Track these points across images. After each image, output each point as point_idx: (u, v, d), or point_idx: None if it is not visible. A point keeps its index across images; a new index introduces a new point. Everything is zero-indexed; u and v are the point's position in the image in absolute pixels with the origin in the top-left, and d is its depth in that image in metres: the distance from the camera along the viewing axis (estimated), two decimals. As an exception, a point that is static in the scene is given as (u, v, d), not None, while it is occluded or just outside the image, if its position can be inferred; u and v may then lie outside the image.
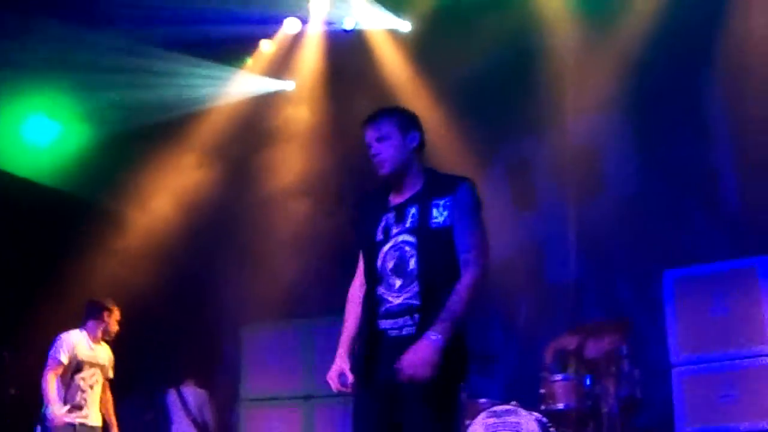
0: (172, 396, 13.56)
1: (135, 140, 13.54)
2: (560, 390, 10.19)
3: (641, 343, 10.86)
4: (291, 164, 13.10)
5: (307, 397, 12.00)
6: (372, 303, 5.63)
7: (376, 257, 5.57)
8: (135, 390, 14.33)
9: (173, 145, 13.48)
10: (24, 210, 13.35)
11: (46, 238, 13.52)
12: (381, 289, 5.58)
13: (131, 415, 13.59)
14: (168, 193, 13.56)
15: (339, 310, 11.94)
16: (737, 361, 9.32)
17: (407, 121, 5.71)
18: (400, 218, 5.55)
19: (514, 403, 9.99)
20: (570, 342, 10.67)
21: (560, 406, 10.13)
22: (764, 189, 10.80)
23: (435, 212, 5.46)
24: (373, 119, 5.65)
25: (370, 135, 5.64)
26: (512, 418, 9.83)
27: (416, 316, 5.40)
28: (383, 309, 5.56)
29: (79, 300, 12.20)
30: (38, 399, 11.25)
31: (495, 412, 9.98)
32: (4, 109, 13.29)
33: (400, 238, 5.51)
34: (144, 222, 13.60)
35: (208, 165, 13.44)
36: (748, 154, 11.07)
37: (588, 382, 10.27)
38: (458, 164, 12.12)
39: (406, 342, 5.30)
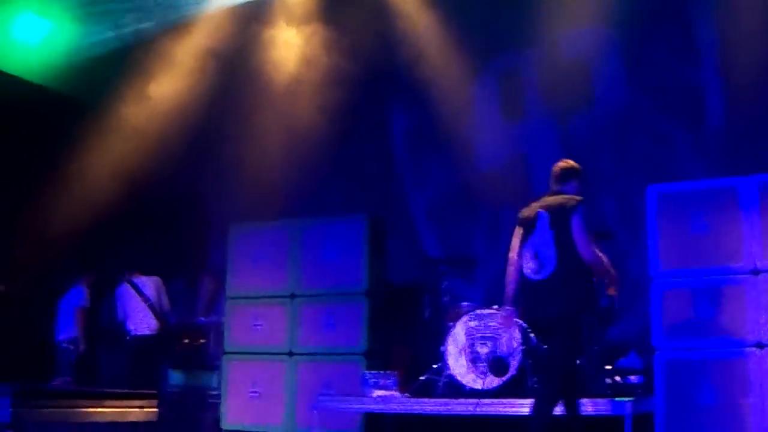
0: (125, 287, 13.78)
1: (126, 42, 13.56)
2: (541, 297, 10.38)
3: (622, 256, 11.06)
4: (279, 66, 13.10)
5: (292, 296, 12.16)
6: None
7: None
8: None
9: (164, 49, 13.47)
10: (13, 106, 13.40)
11: (36, 135, 13.59)
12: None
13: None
14: (159, 94, 13.57)
15: (327, 209, 12.21)
16: (715, 278, 9.48)
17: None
18: None
19: (495, 307, 10.23)
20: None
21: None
22: (748, 112, 10.93)
23: None
24: None
25: None
26: (493, 322, 10.08)
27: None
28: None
29: (69, 195, 12.40)
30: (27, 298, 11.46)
31: (477, 315, 10.23)
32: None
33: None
34: (133, 121, 13.63)
35: (198, 68, 13.44)
36: (734, 76, 11.18)
37: (567, 289, 10.47)
38: (449, 72, 12.29)
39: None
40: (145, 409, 6.68)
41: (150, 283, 13.74)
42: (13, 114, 13.40)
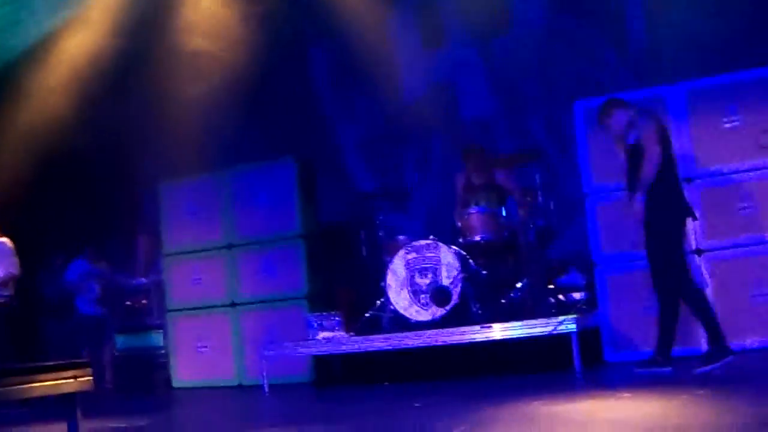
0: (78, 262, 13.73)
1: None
2: (476, 222, 10.35)
3: (554, 175, 11.05)
4: (192, 16, 12.89)
5: (229, 246, 12.07)
6: None
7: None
8: (55, 252, 14.42)
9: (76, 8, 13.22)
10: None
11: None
12: None
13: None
14: (73, 56, 13.33)
15: (255, 156, 12.08)
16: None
17: (607, 111, 8.64)
18: None
19: (432, 238, 10.19)
20: (479, 175, 10.83)
21: (477, 238, 10.32)
22: (668, 26, 10.92)
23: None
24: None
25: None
26: (431, 253, 10.04)
27: None
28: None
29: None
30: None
31: (414, 247, 10.17)
32: None
33: None
34: (49, 86, 13.39)
35: (115, 24, 13.20)
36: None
37: (503, 213, 10.46)
38: (365, 4, 12.13)
39: None
40: (79, 379, 6.52)
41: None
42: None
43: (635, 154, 8.33)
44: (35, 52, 13.29)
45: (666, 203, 8.26)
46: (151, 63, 12.93)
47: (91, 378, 6.64)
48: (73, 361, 6.53)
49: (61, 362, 6.54)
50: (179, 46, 12.77)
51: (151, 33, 12.80)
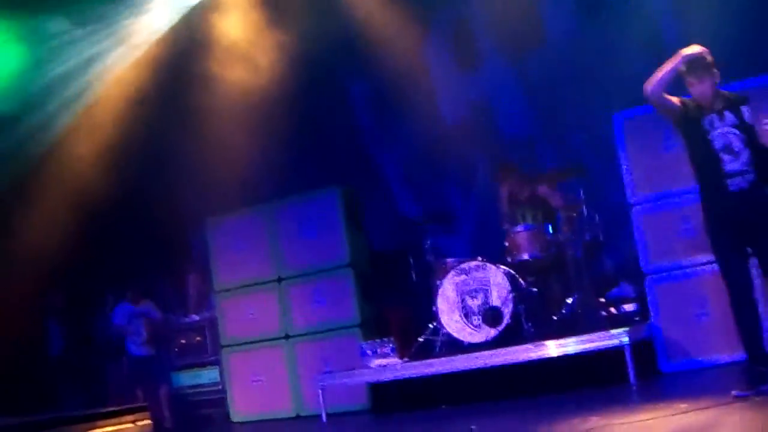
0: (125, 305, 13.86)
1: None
2: (523, 241, 10.39)
3: (598, 187, 11.02)
4: (231, 53, 12.99)
5: (279, 279, 12.14)
6: None
7: (706, 139, 7.63)
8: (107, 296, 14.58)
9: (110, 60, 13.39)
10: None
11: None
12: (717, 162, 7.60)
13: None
14: (120, 88, 13.48)
15: (298, 189, 12.12)
16: (691, 196, 9.44)
17: (712, 66, 7.68)
18: (721, 117, 7.62)
19: (480, 258, 10.22)
20: (523, 192, 10.85)
21: (525, 256, 10.36)
22: (702, 32, 10.87)
23: (746, 115, 7.61)
24: (697, 73, 7.66)
25: (693, 80, 7.65)
26: (480, 274, 10.08)
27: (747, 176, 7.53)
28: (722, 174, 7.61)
29: (42, 212, 12.34)
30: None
31: (463, 269, 10.21)
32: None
33: (725, 129, 7.60)
34: (95, 126, 13.54)
35: (147, 72, 13.34)
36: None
37: (550, 230, 10.47)
38: (400, 31, 12.18)
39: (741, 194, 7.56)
40: (139, 423, 6.63)
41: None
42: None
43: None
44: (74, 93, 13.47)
45: None
46: (193, 99, 13.04)
47: (149, 421, 6.74)
48: (132, 406, 6.64)
49: (120, 408, 6.66)
50: (221, 80, 12.87)
51: (193, 67, 12.91)
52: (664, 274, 9.71)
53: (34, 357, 13.94)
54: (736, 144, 7.53)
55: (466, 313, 10.10)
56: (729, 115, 7.58)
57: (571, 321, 9.95)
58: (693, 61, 7.66)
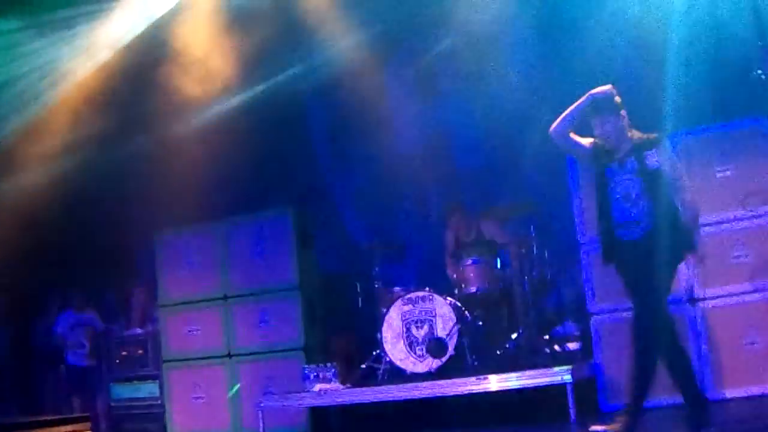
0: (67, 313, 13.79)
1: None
2: (471, 274, 10.44)
3: (549, 225, 11.08)
4: (191, 69, 12.96)
5: (225, 297, 12.10)
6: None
7: (608, 184, 7.52)
8: (49, 303, 14.49)
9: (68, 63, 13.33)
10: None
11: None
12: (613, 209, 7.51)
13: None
14: (73, 99, 13.41)
15: (250, 209, 12.09)
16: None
17: (615, 105, 7.53)
18: (622, 164, 7.48)
19: (428, 289, 10.24)
20: (470, 232, 10.94)
21: (472, 289, 10.42)
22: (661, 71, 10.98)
23: (648, 161, 7.40)
24: (598, 111, 7.52)
25: (595, 120, 7.53)
26: (426, 305, 10.10)
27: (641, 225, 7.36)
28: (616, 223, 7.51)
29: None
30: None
31: (410, 299, 10.23)
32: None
33: (626, 176, 7.45)
34: (47, 136, 13.47)
35: (105, 79, 13.29)
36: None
37: (498, 264, 10.53)
38: (361, 58, 12.21)
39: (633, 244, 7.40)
40: (78, 433, 6.59)
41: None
42: None
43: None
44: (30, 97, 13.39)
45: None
46: (150, 112, 12.99)
47: (88, 432, 6.70)
48: (74, 416, 6.59)
49: (60, 417, 6.60)
50: (176, 95, 12.83)
51: (152, 79, 12.87)
52: (608, 314, 9.75)
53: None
54: (634, 192, 7.40)
55: (411, 343, 10.11)
56: (631, 162, 7.45)
57: (514, 356, 10.02)
58: (598, 101, 7.55)
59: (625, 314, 9.43)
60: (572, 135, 7.67)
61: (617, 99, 7.52)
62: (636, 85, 11.07)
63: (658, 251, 7.24)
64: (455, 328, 9.90)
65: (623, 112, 7.52)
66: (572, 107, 7.57)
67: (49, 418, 6.77)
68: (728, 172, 9.55)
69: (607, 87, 7.56)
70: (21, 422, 6.55)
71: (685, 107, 10.39)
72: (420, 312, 10.09)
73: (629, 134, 7.55)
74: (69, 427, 6.61)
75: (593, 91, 7.52)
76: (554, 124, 7.63)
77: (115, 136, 13.17)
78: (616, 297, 9.60)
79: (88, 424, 6.73)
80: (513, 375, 9.25)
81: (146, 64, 12.79)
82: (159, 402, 12.85)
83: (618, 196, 7.43)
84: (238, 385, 11.75)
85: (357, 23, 12.21)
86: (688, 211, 7.38)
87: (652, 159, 7.41)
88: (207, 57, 12.49)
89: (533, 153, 11.85)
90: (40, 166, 13.16)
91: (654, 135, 7.57)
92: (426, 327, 10.02)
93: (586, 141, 7.67)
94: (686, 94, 10.54)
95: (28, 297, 14.66)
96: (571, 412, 8.91)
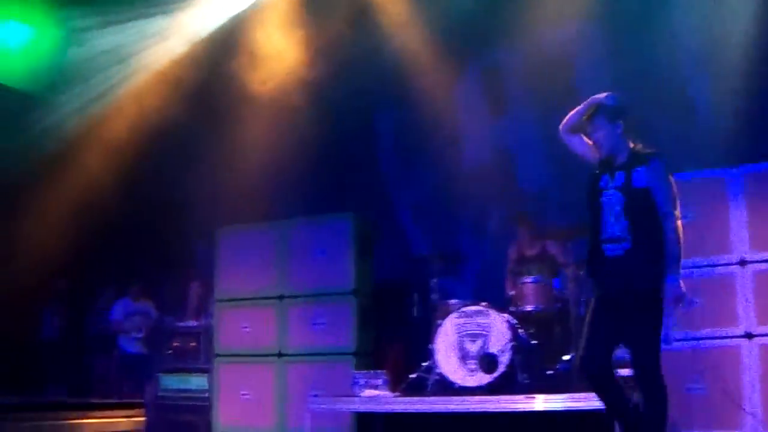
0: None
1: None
2: (529, 292, 10.44)
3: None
4: (261, 69, 13.04)
5: (281, 297, 12.19)
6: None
7: (599, 198, 7.36)
8: (106, 290, 14.65)
9: (142, 55, 13.47)
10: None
11: (19, 140, 13.54)
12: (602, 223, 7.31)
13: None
14: (143, 92, 13.55)
15: (313, 210, 12.12)
16: (704, 269, 9.51)
17: (614, 115, 7.44)
18: (613, 176, 7.31)
19: (484, 304, 10.25)
20: (533, 246, 10.92)
21: (529, 307, 10.41)
22: (732, 101, 10.91)
23: (634, 176, 7.21)
24: (593, 116, 7.48)
25: (588, 127, 7.51)
26: (482, 319, 10.07)
27: (624, 243, 7.16)
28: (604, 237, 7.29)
29: (55, 205, 12.40)
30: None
31: (465, 312, 10.21)
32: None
33: (612, 191, 7.28)
34: (118, 125, 13.61)
35: (177, 74, 13.40)
36: (718, 67, 11.14)
37: (556, 284, 10.51)
38: (432, 71, 12.23)
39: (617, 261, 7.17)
40: (132, 419, 6.66)
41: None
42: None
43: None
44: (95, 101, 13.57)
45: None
46: (219, 108, 13.10)
47: (143, 419, 6.78)
48: (128, 401, 6.68)
49: (115, 401, 6.70)
50: (245, 94, 12.92)
51: (222, 77, 12.98)
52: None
53: (27, 341, 13.98)
54: (617, 208, 7.20)
55: (463, 356, 10.09)
56: (619, 176, 7.26)
57: (565, 377, 9.96)
58: (594, 107, 7.48)
59: (677, 344, 9.46)
60: (580, 136, 7.65)
61: (616, 108, 7.45)
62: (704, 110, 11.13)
63: (641, 276, 7.07)
64: (509, 344, 9.89)
65: (620, 122, 7.41)
66: (576, 109, 7.62)
67: (104, 401, 6.87)
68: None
69: (604, 95, 7.54)
70: (77, 403, 6.65)
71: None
72: (475, 326, 10.08)
73: (629, 146, 7.40)
74: (124, 412, 6.69)
75: (596, 96, 7.54)
76: (562, 124, 7.73)
77: (183, 128, 13.28)
78: (667, 326, 9.61)
79: (143, 410, 6.80)
80: (560, 396, 9.17)
81: (218, 59, 12.92)
82: (206, 395, 12.95)
83: (606, 208, 7.28)
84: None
85: (429, 35, 12.26)
86: (670, 243, 7.05)
87: (640, 177, 7.19)
88: (279, 57, 12.60)
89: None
90: (108, 156, 13.31)
91: (649, 151, 7.38)
92: (479, 341, 9.99)
93: (590, 146, 7.61)
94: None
95: (86, 283, 14.84)
96: (616, 438, 8.89)
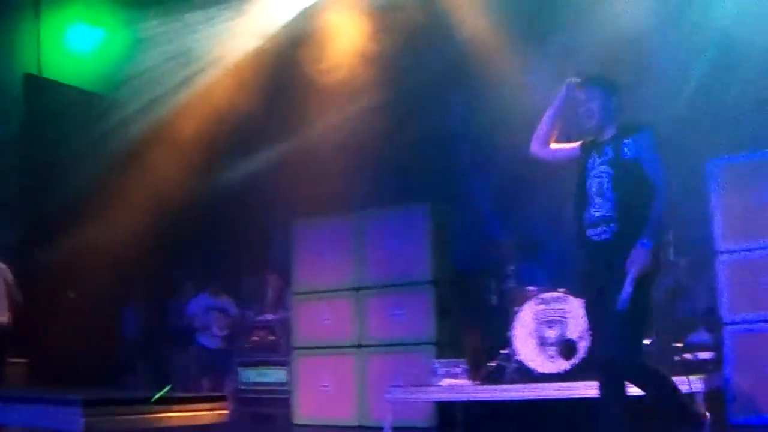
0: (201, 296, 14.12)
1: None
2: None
3: (686, 232, 10.94)
4: (332, 60, 13.08)
5: (358, 289, 12.24)
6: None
7: (586, 180, 6.93)
8: (184, 286, 14.79)
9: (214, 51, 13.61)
10: (72, 116, 13.57)
11: (96, 142, 13.73)
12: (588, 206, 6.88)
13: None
14: (212, 96, 13.69)
15: (388, 202, 12.13)
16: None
17: (610, 88, 7.05)
18: (600, 153, 6.88)
19: (562, 290, 10.20)
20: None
21: (607, 292, 10.28)
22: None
23: (625, 150, 6.77)
24: (586, 83, 7.06)
25: (581, 95, 7.05)
26: (560, 305, 10.02)
27: (611, 225, 6.71)
28: (589, 222, 6.86)
29: (131, 203, 12.56)
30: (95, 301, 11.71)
31: (543, 299, 10.18)
32: (48, 20, 13.47)
33: (601, 168, 6.84)
34: (192, 123, 13.75)
35: (249, 67, 13.51)
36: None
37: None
38: (504, 55, 12.17)
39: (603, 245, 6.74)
40: (216, 412, 6.75)
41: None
42: (70, 122, 13.56)
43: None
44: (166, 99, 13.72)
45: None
46: (293, 101, 13.16)
47: (227, 411, 6.85)
48: (212, 394, 6.78)
49: (199, 394, 6.80)
50: (317, 86, 12.97)
51: (295, 69, 13.04)
52: (743, 325, 9.59)
53: (108, 338, 14.17)
54: (606, 186, 6.75)
55: (542, 343, 10.05)
56: (608, 151, 6.82)
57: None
58: (590, 78, 7.12)
59: (759, 326, 9.37)
60: (554, 144, 7.32)
61: (614, 82, 7.11)
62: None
63: (625, 258, 6.51)
64: (587, 330, 9.80)
65: (614, 97, 6.99)
66: (547, 112, 7.33)
67: (188, 395, 6.96)
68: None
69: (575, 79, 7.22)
70: (156, 397, 6.75)
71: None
72: (553, 312, 10.05)
73: (617, 121, 6.97)
74: (207, 405, 6.77)
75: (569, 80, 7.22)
76: (532, 141, 7.40)
77: (256, 123, 13.38)
78: (752, 307, 9.50)
79: (226, 403, 6.88)
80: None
81: (289, 51, 13.00)
82: (286, 388, 13.04)
83: (593, 190, 6.83)
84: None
85: (500, 20, 12.22)
86: (654, 215, 6.57)
87: (629, 148, 6.74)
88: (350, 47, 12.64)
89: (672, 158, 11.73)
90: (180, 154, 13.45)
91: (640, 122, 7.02)
92: (558, 328, 9.95)
93: (574, 144, 7.22)
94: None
95: (165, 279, 15.01)
96: (702, 422, 8.80)
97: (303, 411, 12.54)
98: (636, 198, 6.62)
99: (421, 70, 12.48)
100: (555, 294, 10.16)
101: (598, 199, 6.78)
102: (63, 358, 12.61)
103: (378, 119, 12.47)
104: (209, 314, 13.88)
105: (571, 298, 10.00)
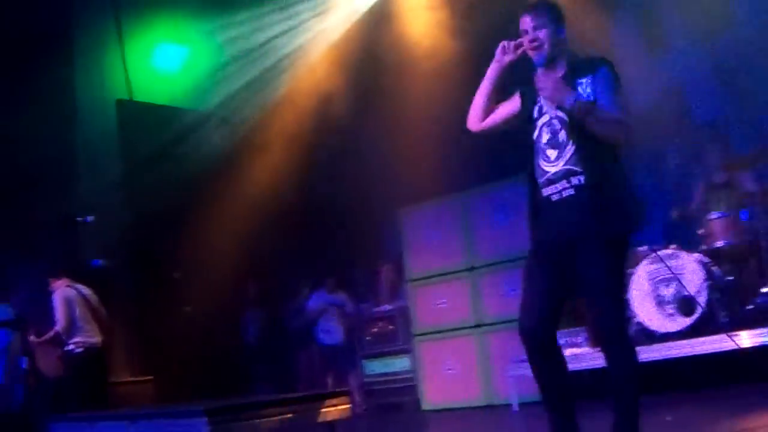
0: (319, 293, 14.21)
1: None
2: (718, 228, 10.16)
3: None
4: (419, 48, 13.09)
5: (471, 269, 12.23)
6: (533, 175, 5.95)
7: (533, 132, 5.96)
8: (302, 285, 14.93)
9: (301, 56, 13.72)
10: (167, 134, 13.77)
11: (195, 156, 13.90)
12: (539, 161, 5.90)
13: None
14: (308, 86, 13.78)
15: (491, 180, 12.08)
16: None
17: (559, 14, 5.93)
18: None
19: (673, 246, 10.03)
20: (719, 177, 10.61)
21: (719, 243, 10.12)
22: None
23: (579, 90, 5.69)
24: (533, 9, 5.87)
25: (528, 22, 5.87)
26: (674, 262, 9.85)
27: (573, 179, 5.70)
28: (544, 179, 5.87)
29: (238, 209, 12.72)
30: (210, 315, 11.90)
31: (656, 257, 10.01)
32: (132, 44, 13.69)
33: (551, 113, 5.83)
34: (284, 124, 13.86)
35: (339, 64, 13.58)
36: None
37: (744, 217, 10.21)
38: (586, 12, 12.04)
39: (566, 204, 5.71)
40: (339, 407, 6.84)
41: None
42: (164, 139, 13.75)
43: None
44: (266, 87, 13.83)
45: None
46: (384, 90, 13.19)
47: (349, 406, 6.93)
48: (333, 390, 6.87)
49: (320, 392, 6.90)
50: (411, 72, 12.99)
51: (383, 59, 13.07)
52: None
53: (232, 344, 14.39)
54: (561, 134, 5.74)
55: (659, 302, 9.90)
56: None
57: (766, 311, 9.70)
58: (534, 3, 5.91)
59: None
60: (497, 109, 6.27)
61: (560, 9, 5.95)
62: None
63: (604, 218, 5.57)
64: (704, 284, 9.66)
65: (562, 26, 5.91)
66: (482, 83, 6.34)
67: (309, 393, 7.07)
68: None
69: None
70: (285, 398, 6.86)
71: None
72: (667, 270, 9.88)
73: (571, 54, 5.97)
74: (330, 402, 6.86)
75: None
76: (468, 116, 6.39)
77: (352, 117, 13.45)
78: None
79: (348, 398, 6.96)
80: (766, 330, 8.97)
81: (378, 43, 13.04)
82: (411, 375, 13.09)
83: (544, 142, 5.85)
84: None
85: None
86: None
87: (585, 88, 5.69)
88: (434, 33, 12.63)
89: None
90: (285, 153, 13.58)
91: (598, 58, 5.95)
92: (674, 285, 9.77)
93: (512, 101, 6.24)
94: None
95: (279, 282, 15.17)
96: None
97: (430, 396, 12.59)
98: (599, 149, 5.63)
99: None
100: (667, 251, 9.99)
101: (551, 152, 5.81)
102: (187, 373, 12.84)
103: (469, 100, 12.42)
104: (327, 311, 14.01)
105: (684, 254, 9.85)
